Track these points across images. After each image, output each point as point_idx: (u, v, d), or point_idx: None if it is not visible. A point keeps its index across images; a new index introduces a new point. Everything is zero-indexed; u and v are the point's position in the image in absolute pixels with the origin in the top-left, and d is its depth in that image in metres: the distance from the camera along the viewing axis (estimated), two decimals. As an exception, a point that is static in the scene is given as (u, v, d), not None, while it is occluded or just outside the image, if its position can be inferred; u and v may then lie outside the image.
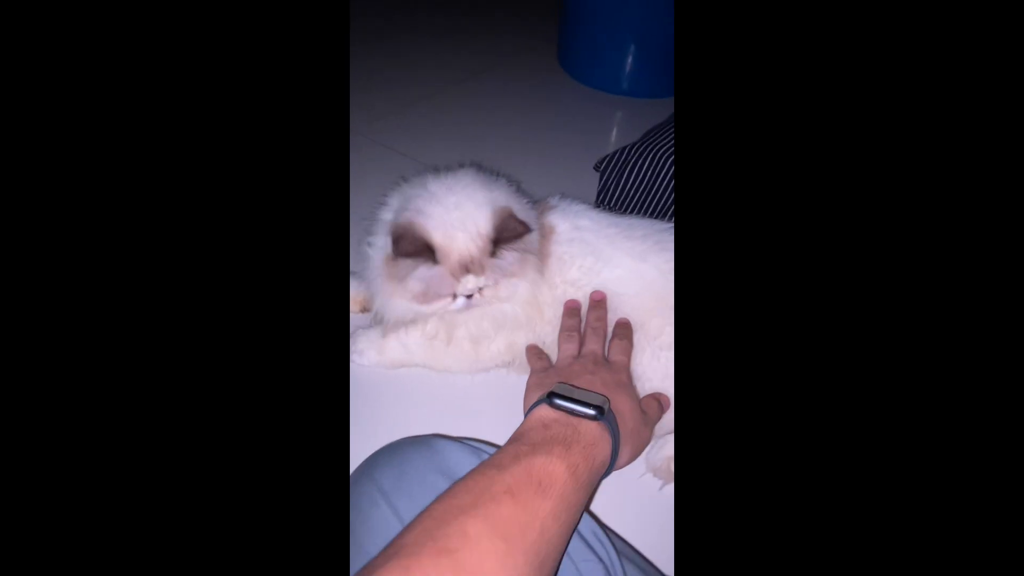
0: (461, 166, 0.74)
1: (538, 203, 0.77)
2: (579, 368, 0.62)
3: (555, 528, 0.38)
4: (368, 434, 0.60)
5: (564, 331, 0.70)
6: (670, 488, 0.65)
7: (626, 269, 0.72)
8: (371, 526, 0.45)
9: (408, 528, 0.37)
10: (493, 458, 0.43)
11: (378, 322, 0.76)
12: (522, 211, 0.69)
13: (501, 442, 0.48)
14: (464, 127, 1.35)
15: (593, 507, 0.60)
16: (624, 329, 0.70)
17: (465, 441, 0.51)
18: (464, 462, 0.49)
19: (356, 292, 0.83)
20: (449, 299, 0.68)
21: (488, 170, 0.75)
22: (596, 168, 1.05)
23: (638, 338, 0.70)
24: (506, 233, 0.65)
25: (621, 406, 0.56)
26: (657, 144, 0.98)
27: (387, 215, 0.71)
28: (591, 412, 0.48)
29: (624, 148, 1.01)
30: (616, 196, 1.01)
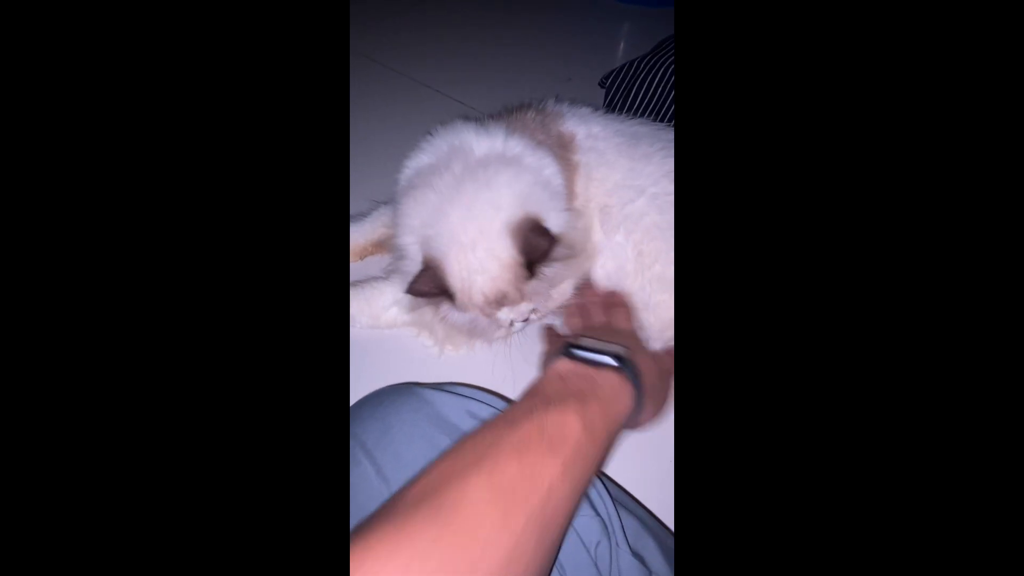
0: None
1: (543, 111, 0.70)
2: (590, 335, 0.58)
3: (565, 488, 0.36)
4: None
5: (567, 310, 0.66)
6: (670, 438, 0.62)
7: (631, 181, 0.66)
8: (352, 488, 0.41)
9: (408, 485, 0.35)
10: (505, 412, 0.41)
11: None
12: (549, 203, 0.60)
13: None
14: (461, 39, 1.25)
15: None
16: (617, 297, 0.66)
17: (447, 388, 0.48)
18: (452, 410, 0.45)
19: (355, 238, 0.77)
20: (504, 327, 0.62)
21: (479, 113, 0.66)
22: (601, 85, 0.97)
23: (634, 265, 0.65)
24: (534, 255, 0.57)
25: (640, 362, 0.51)
26: (668, 57, 0.89)
27: (413, 219, 0.61)
28: (610, 361, 0.45)
29: (632, 61, 0.92)
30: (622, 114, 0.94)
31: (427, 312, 0.65)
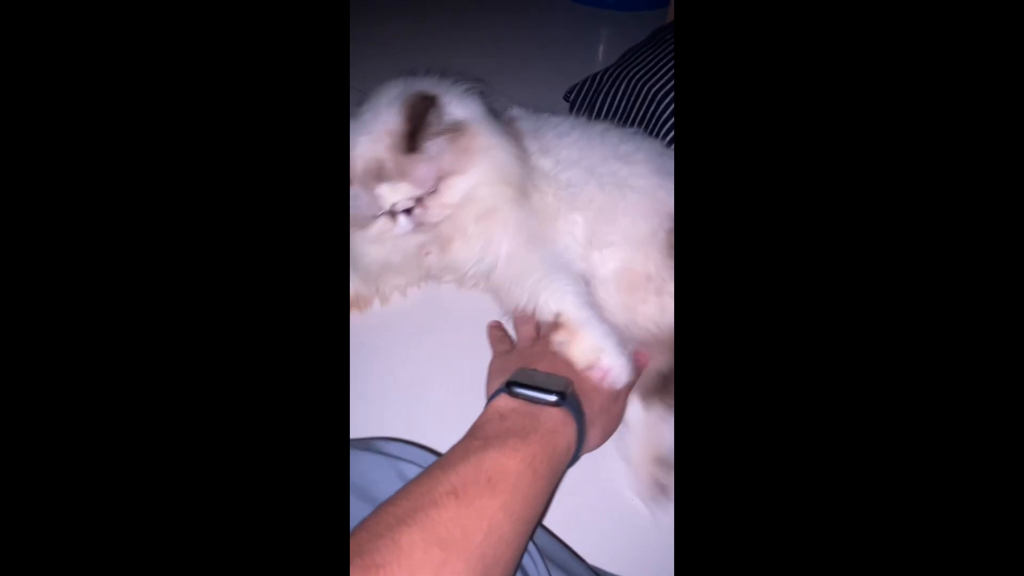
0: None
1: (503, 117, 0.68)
2: (540, 350, 0.55)
3: (508, 525, 0.36)
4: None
5: (518, 317, 0.63)
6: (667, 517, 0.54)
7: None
8: None
9: None
10: (443, 457, 0.41)
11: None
12: (451, 94, 0.60)
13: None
14: (431, 50, 1.23)
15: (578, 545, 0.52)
16: None
17: (377, 447, 0.47)
18: (380, 473, 0.45)
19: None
20: (386, 219, 0.59)
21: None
22: (565, 98, 0.94)
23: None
24: (417, 117, 0.56)
25: (585, 384, 0.52)
26: (632, 68, 0.87)
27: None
28: (551, 399, 0.46)
29: (595, 75, 0.90)
30: (589, 129, 0.91)
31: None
